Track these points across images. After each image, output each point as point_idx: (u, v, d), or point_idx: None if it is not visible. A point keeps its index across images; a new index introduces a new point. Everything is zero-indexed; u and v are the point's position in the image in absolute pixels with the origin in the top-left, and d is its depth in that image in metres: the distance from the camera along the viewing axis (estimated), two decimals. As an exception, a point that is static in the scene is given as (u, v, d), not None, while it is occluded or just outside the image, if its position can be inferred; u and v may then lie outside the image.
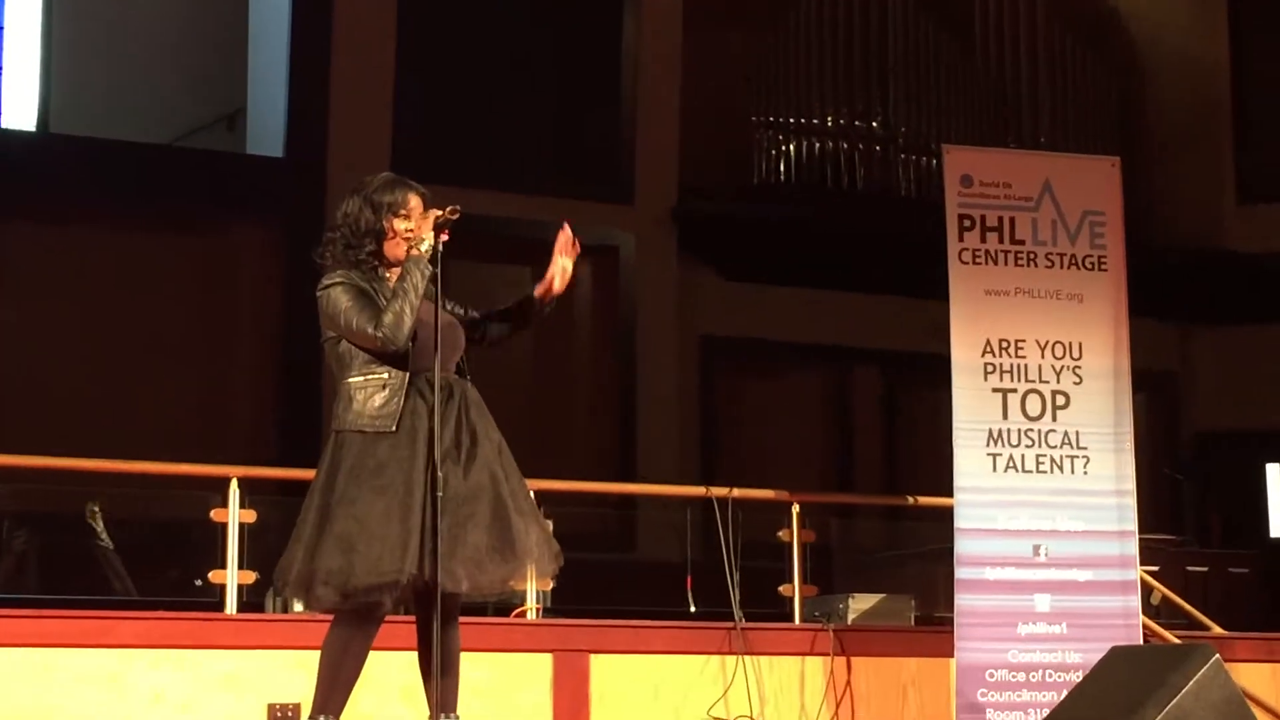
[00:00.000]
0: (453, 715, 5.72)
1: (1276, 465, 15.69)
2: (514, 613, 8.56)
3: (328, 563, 5.53)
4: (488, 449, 5.77)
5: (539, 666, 8.09)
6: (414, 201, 5.87)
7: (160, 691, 7.43)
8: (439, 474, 5.56)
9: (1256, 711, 7.31)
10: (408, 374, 5.72)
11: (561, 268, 6.06)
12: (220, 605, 7.92)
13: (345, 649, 5.64)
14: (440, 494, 5.54)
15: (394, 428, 5.64)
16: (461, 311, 6.02)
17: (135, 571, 9.81)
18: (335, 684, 5.63)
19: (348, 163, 12.61)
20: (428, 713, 5.70)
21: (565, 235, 6.06)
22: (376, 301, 5.72)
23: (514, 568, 5.74)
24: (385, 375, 5.71)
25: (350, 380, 5.74)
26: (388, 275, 5.81)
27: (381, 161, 12.50)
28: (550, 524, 8.75)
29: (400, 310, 5.68)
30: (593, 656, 8.20)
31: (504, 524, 5.70)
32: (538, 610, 8.59)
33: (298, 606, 7.67)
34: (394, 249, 5.82)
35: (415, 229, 5.80)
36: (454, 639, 5.77)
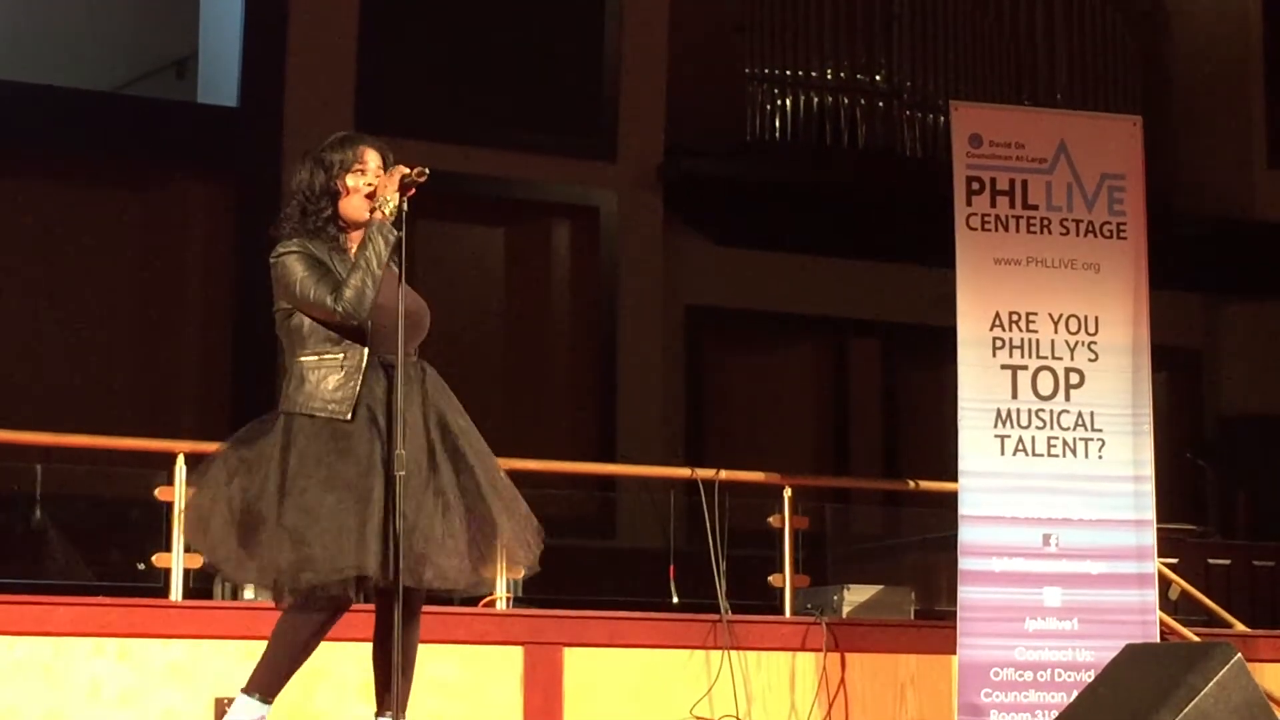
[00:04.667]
0: (402, 716, 5.72)
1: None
2: (482, 602, 8.57)
3: (276, 557, 5.53)
4: (455, 436, 5.76)
5: (509, 660, 8.10)
6: (370, 156, 5.84)
7: (99, 683, 7.44)
8: (401, 467, 5.56)
9: (1280, 715, 7.35)
10: (366, 354, 5.70)
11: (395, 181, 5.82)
12: (164, 591, 7.92)
13: (295, 635, 5.65)
14: (401, 486, 5.54)
15: (349, 415, 5.63)
16: None
17: (73, 553, 9.81)
18: (278, 668, 5.66)
19: (306, 113, 12.61)
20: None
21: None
22: (335, 273, 5.70)
23: (486, 561, 5.75)
24: (341, 355, 5.69)
25: (303, 359, 5.72)
26: (348, 245, 5.78)
27: (343, 112, 12.51)
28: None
29: (362, 281, 5.66)
30: (567, 650, 8.22)
31: (476, 515, 5.71)
32: (508, 600, 8.60)
33: (248, 593, 7.68)
34: (352, 209, 5.79)
35: (379, 187, 5.77)
36: (415, 637, 5.79)
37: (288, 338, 5.79)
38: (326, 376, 5.67)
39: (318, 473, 5.58)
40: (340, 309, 5.64)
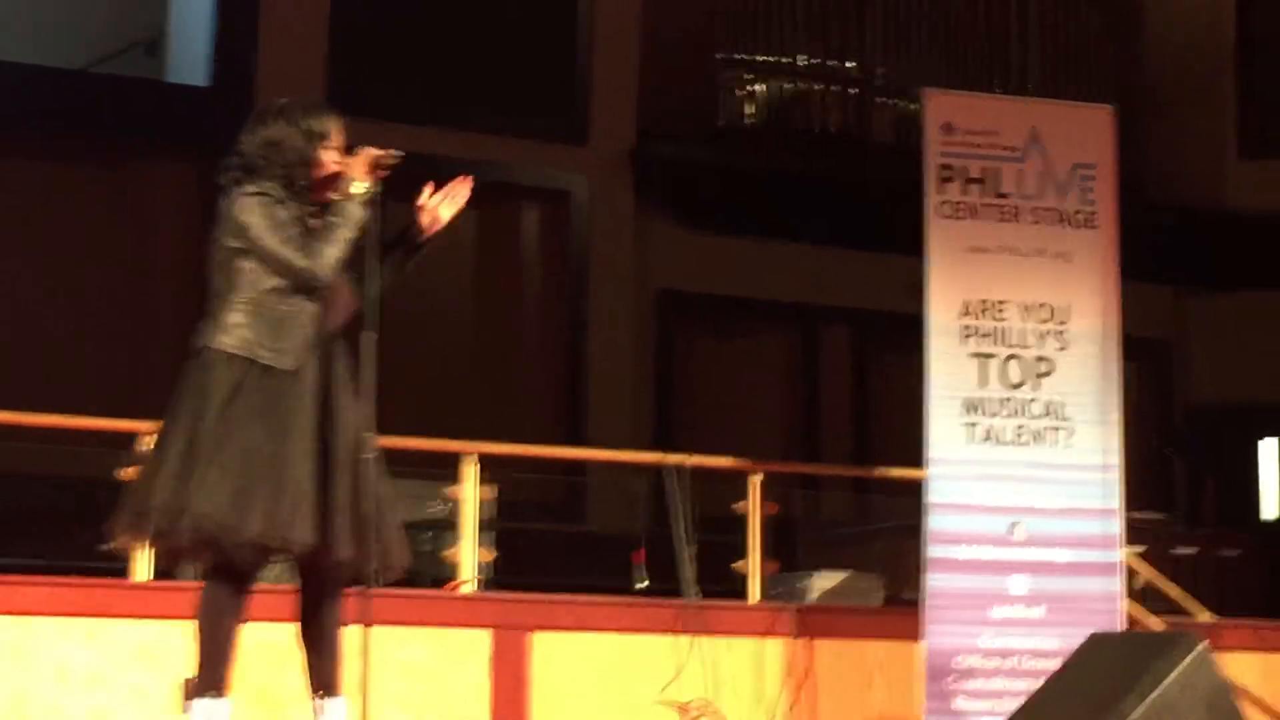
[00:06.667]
0: (334, 695, 5.72)
1: (1271, 440, 15.80)
2: (450, 585, 8.59)
3: (203, 504, 5.44)
4: (360, 420, 5.70)
5: (476, 644, 8.12)
6: (338, 133, 5.84)
7: (66, 664, 7.44)
8: (370, 450, 5.56)
9: (1245, 704, 7.40)
10: (313, 316, 5.64)
11: (433, 207, 5.94)
12: (130, 572, 7.92)
13: (222, 614, 5.59)
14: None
15: (291, 366, 5.58)
16: None
17: (39, 534, 9.79)
18: (216, 655, 5.59)
19: (277, 93, 12.36)
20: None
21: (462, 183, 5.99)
22: (302, 233, 5.64)
23: (379, 550, 5.67)
24: (288, 310, 5.61)
25: (244, 297, 5.62)
26: (312, 220, 5.72)
27: (314, 92, 12.46)
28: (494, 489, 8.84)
29: (333, 241, 5.60)
30: (535, 634, 8.24)
31: (378, 501, 5.66)
32: (477, 583, 8.62)
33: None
34: (321, 188, 5.76)
35: (346, 167, 5.75)
36: (337, 613, 5.76)
37: (229, 274, 5.66)
38: (270, 324, 5.59)
39: (256, 421, 5.51)
40: (306, 265, 5.57)
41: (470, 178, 6.02)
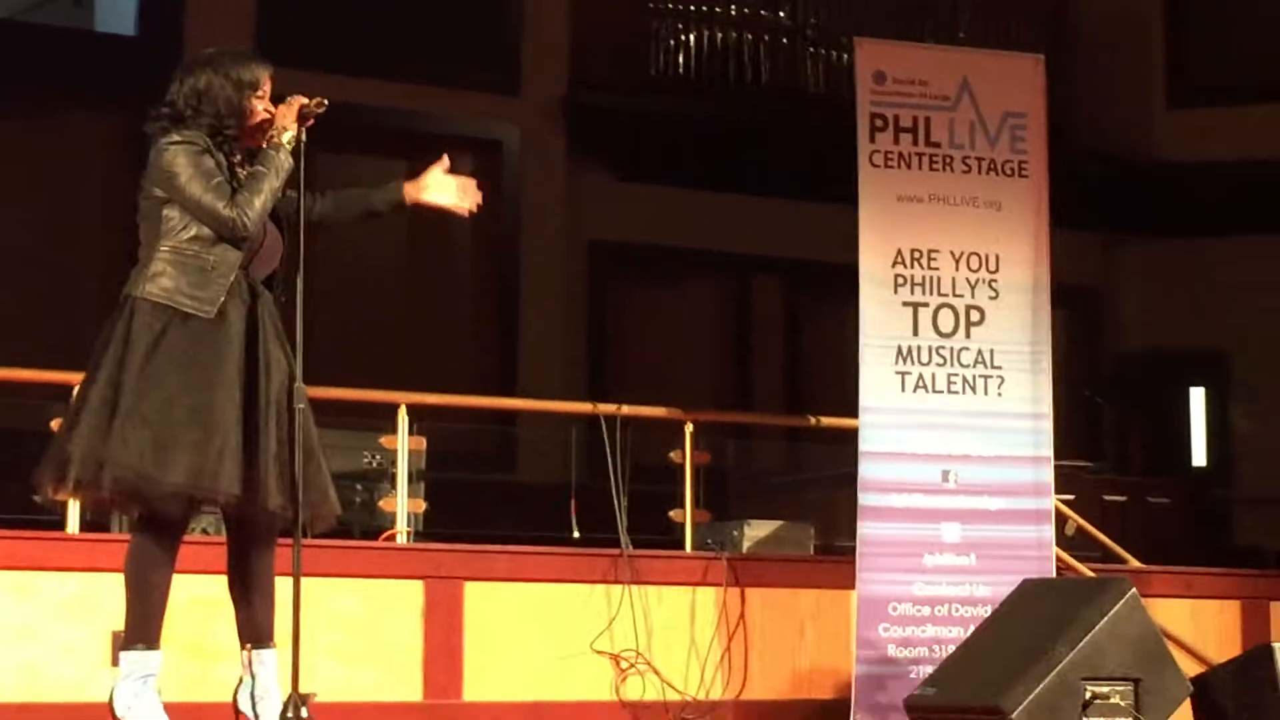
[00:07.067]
0: (267, 647, 5.71)
1: (1200, 389, 15.90)
2: (382, 536, 8.57)
3: (123, 454, 5.40)
4: (290, 370, 5.67)
5: (409, 594, 8.10)
6: (268, 81, 5.79)
7: (-5, 617, 7.40)
8: (301, 399, 5.53)
9: (1173, 649, 7.46)
10: (236, 263, 5.60)
11: (437, 183, 5.98)
12: (62, 524, 7.87)
13: (151, 566, 5.57)
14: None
15: (213, 313, 5.53)
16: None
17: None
18: (146, 607, 5.56)
19: (205, 43, 12.24)
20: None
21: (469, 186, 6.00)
22: (227, 180, 5.60)
23: (310, 500, 5.65)
24: (211, 258, 5.57)
25: (167, 246, 5.58)
26: (240, 168, 5.68)
27: (243, 41, 12.31)
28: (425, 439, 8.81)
29: (259, 191, 5.56)
30: (467, 584, 8.22)
31: (308, 452, 5.63)
32: (409, 534, 8.60)
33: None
34: (251, 136, 5.73)
35: (276, 115, 5.71)
36: (270, 564, 5.74)
37: (154, 223, 5.63)
38: (192, 272, 5.55)
39: (178, 372, 5.48)
40: (231, 215, 5.53)
41: (481, 187, 6.05)
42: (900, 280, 8.59)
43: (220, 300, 5.56)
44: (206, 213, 5.57)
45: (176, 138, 5.62)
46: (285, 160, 5.65)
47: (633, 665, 8.43)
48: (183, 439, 5.44)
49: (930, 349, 8.59)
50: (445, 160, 6.10)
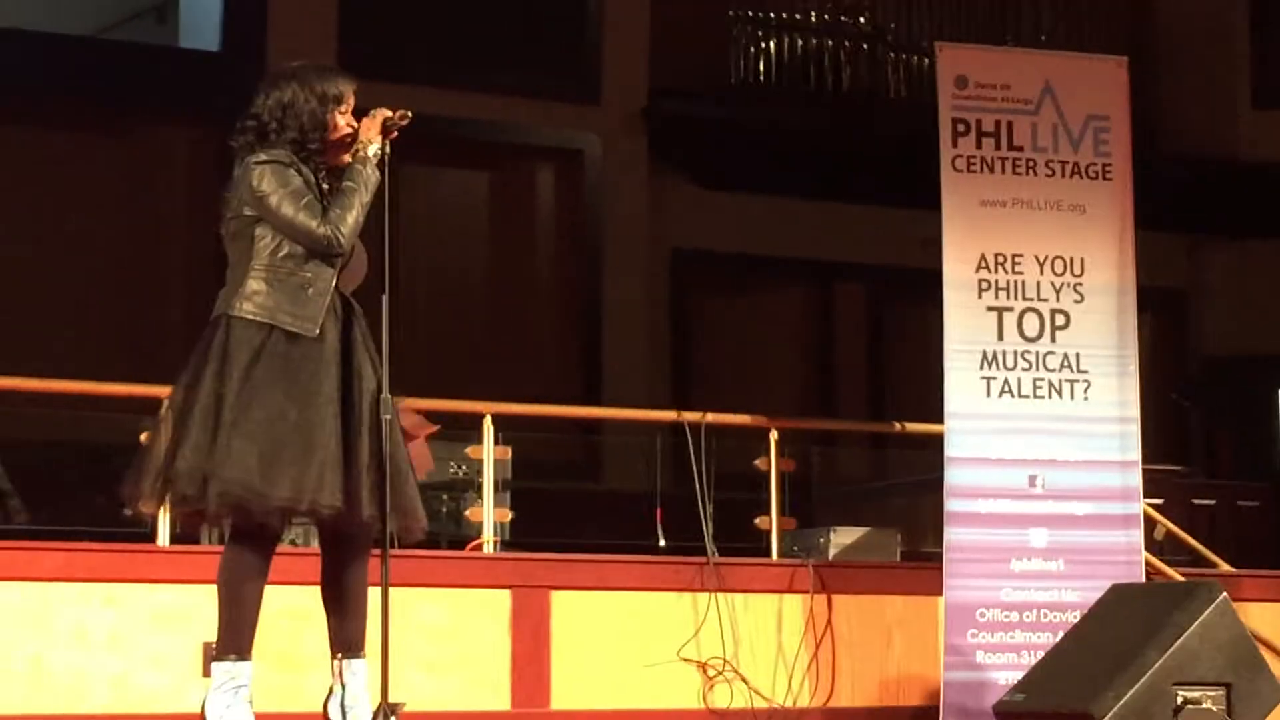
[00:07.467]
0: (357, 656, 5.72)
1: (1286, 391, 15.78)
2: (469, 545, 8.59)
3: (230, 470, 5.41)
4: (378, 382, 5.66)
5: (497, 604, 8.12)
6: (351, 96, 5.81)
7: (86, 629, 7.45)
8: (389, 410, 5.54)
9: (1265, 653, 7.39)
10: (333, 281, 5.61)
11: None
12: (151, 537, 7.93)
13: (245, 578, 5.58)
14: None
15: (313, 332, 5.54)
16: None
17: (58, 499, 9.80)
18: (238, 618, 5.58)
19: (288, 56, 12.33)
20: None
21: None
22: (319, 200, 5.61)
23: (399, 511, 5.64)
24: (309, 275, 5.58)
25: (261, 265, 5.58)
26: (326, 183, 5.67)
27: (326, 54, 12.38)
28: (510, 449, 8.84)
29: (350, 206, 5.57)
30: (554, 593, 8.24)
31: (396, 463, 5.64)
32: (495, 543, 8.62)
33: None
34: (335, 151, 5.75)
35: (361, 129, 5.73)
36: (363, 575, 5.73)
37: (243, 243, 5.63)
38: (292, 291, 5.56)
39: (280, 386, 5.49)
40: (325, 231, 5.54)
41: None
42: (984, 285, 8.56)
43: (320, 318, 5.58)
44: (300, 231, 5.57)
45: (263, 156, 5.62)
46: (373, 175, 5.66)
47: (720, 673, 8.43)
48: (287, 454, 5.45)
49: (1015, 354, 8.55)
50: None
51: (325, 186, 5.68)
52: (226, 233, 5.71)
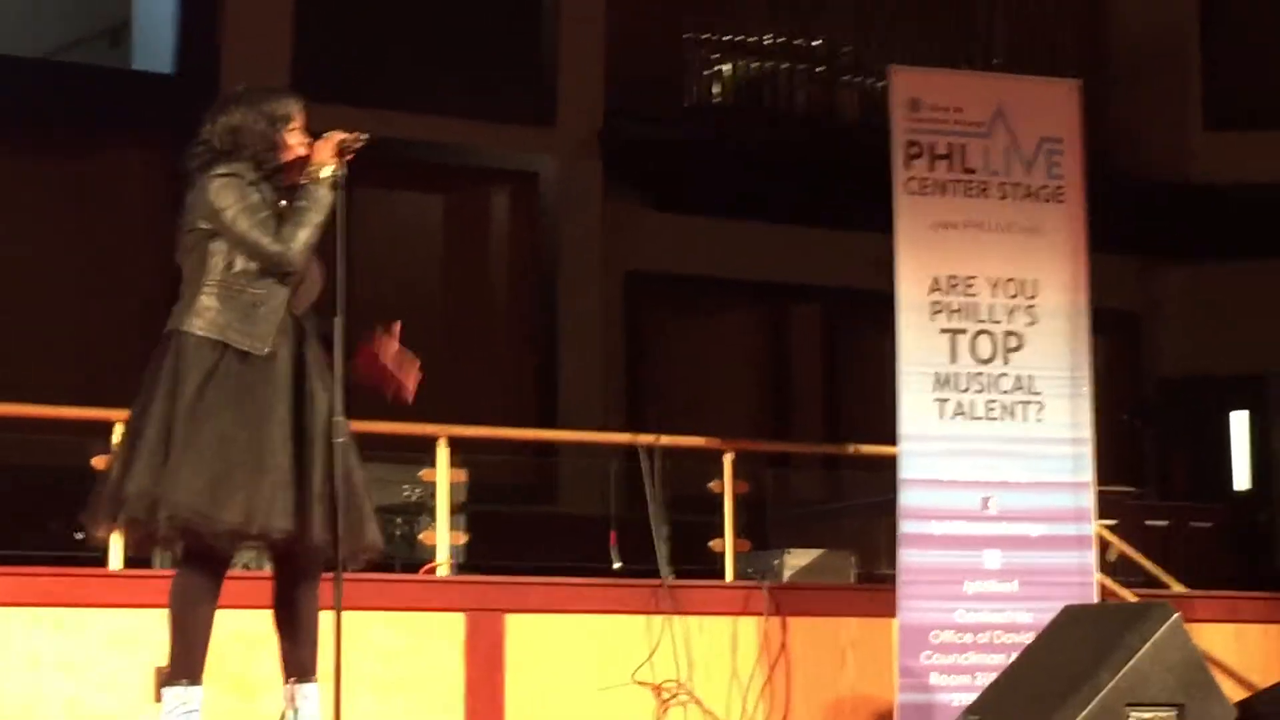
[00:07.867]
0: (309, 681, 5.71)
1: (1241, 413, 15.83)
2: (423, 569, 8.58)
3: (179, 492, 5.39)
4: (332, 404, 5.66)
5: (451, 627, 8.10)
6: (299, 115, 5.81)
7: (37, 653, 7.41)
8: (341, 433, 5.53)
9: (1218, 674, 7.42)
10: (285, 299, 5.62)
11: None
12: (103, 561, 7.90)
13: (196, 602, 5.56)
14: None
15: (266, 350, 5.54)
16: None
17: (10, 523, 9.75)
18: (190, 643, 5.56)
19: (243, 79, 12.44)
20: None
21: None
22: (272, 215, 5.60)
23: (352, 534, 5.65)
24: (261, 292, 5.59)
25: (214, 280, 5.58)
26: (281, 204, 5.67)
27: (280, 77, 12.42)
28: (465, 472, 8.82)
29: (303, 225, 5.57)
30: (508, 616, 8.23)
31: (351, 486, 5.64)
32: (450, 567, 8.61)
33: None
34: (290, 172, 5.74)
35: (314, 151, 5.73)
36: (315, 598, 5.73)
37: (199, 257, 5.63)
38: (243, 308, 5.56)
39: (231, 408, 5.47)
40: (278, 249, 5.54)
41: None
42: (937, 307, 8.59)
43: (272, 336, 5.57)
44: (252, 247, 5.58)
45: (224, 170, 5.63)
46: (326, 195, 5.66)
47: (674, 695, 8.43)
48: (237, 477, 5.44)
49: (968, 376, 8.59)
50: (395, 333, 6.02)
51: (283, 203, 5.68)
52: (181, 248, 5.71)
